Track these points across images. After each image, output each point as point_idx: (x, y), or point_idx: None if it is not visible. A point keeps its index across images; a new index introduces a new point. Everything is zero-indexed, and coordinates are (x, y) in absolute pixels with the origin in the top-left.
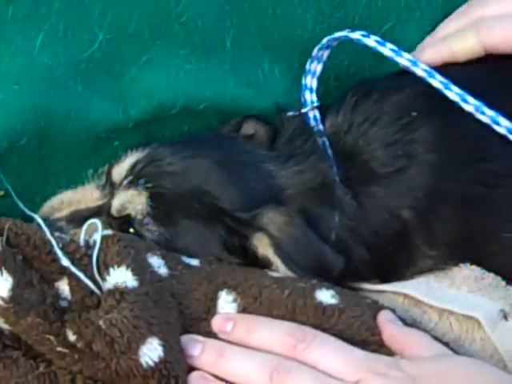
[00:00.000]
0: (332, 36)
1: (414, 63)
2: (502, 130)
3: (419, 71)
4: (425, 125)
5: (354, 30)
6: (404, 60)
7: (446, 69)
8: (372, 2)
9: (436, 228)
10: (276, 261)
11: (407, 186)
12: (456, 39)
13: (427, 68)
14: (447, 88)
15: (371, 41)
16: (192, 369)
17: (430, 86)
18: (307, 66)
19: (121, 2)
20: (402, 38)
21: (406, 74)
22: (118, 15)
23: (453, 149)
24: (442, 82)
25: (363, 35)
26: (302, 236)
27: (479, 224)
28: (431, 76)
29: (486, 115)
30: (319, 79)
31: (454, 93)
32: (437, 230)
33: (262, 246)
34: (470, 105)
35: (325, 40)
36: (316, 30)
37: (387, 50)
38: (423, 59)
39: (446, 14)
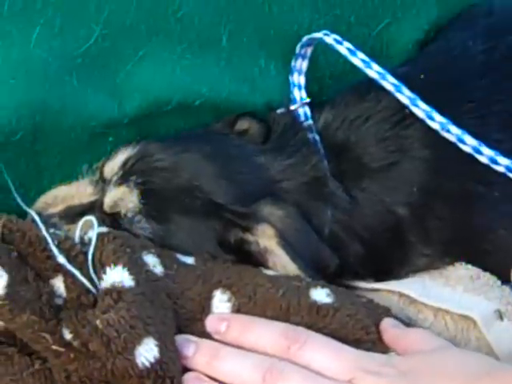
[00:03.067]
0: (310, 36)
1: (383, 76)
2: (467, 149)
3: (387, 84)
4: (418, 120)
5: (334, 32)
6: (373, 72)
7: None
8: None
9: (431, 225)
10: (279, 252)
11: (401, 181)
12: None
13: (395, 82)
14: (414, 104)
15: (343, 48)
16: (186, 369)
17: None
18: (292, 64)
19: None
20: (398, 36)
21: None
22: (114, 10)
23: (448, 145)
24: (409, 98)
25: (336, 41)
26: (301, 229)
27: (475, 222)
28: (399, 90)
29: (452, 133)
30: (313, 78)
31: (420, 109)
32: (431, 228)
33: (265, 237)
34: (436, 122)
35: (305, 38)
36: (312, 27)
37: (357, 59)
38: None
39: (441, 12)
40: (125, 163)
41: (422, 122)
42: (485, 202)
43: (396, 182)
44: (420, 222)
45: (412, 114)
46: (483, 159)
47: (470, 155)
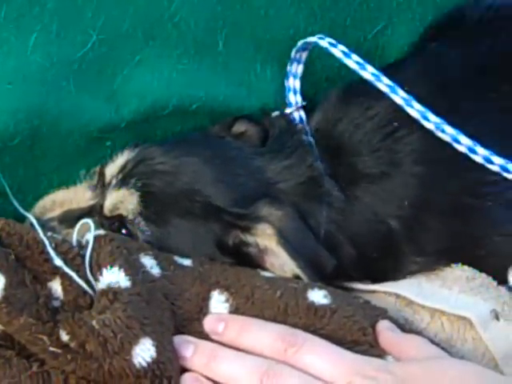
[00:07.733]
0: (305, 40)
1: (378, 78)
2: (462, 149)
3: (382, 86)
4: (408, 135)
5: (330, 35)
6: (367, 74)
7: None
8: (364, 3)
9: (423, 237)
10: (279, 251)
11: (393, 194)
12: None
13: (390, 83)
14: (409, 105)
15: (337, 51)
16: (184, 369)
17: None
18: (288, 68)
19: (114, 2)
20: (394, 39)
21: None
22: (111, 16)
23: (438, 160)
24: (403, 98)
25: (331, 44)
26: (299, 228)
27: (469, 232)
28: (393, 91)
29: (447, 133)
30: (309, 81)
31: (415, 110)
32: (424, 239)
33: (265, 236)
34: (431, 122)
35: (300, 43)
36: (308, 30)
37: (352, 62)
38: None
39: (437, 16)
40: (124, 166)
41: (412, 135)
42: (477, 213)
43: (388, 195)
44: (412, 234)
45: (401, 127)
46: (478, 159)
47: (459, 170)
